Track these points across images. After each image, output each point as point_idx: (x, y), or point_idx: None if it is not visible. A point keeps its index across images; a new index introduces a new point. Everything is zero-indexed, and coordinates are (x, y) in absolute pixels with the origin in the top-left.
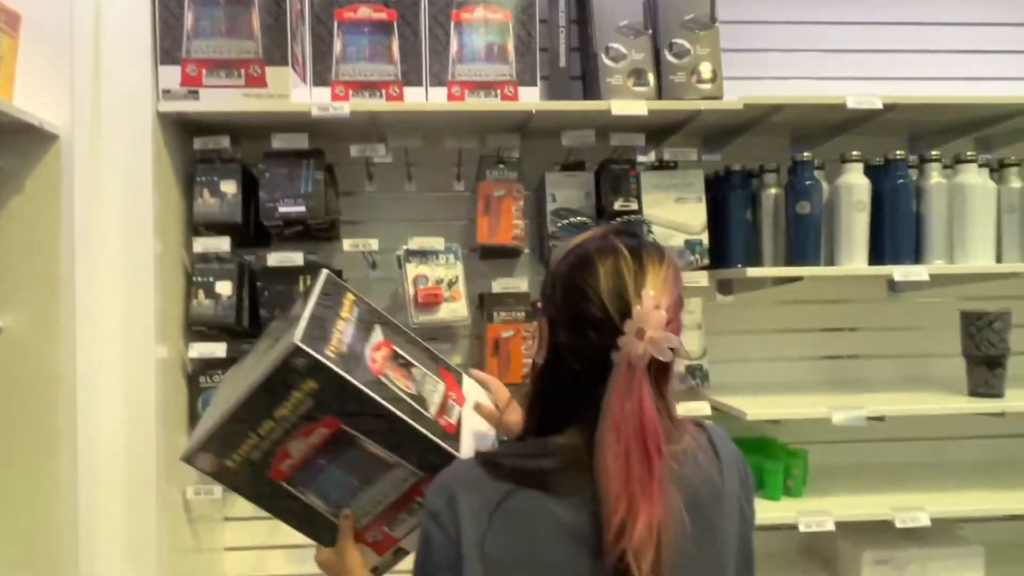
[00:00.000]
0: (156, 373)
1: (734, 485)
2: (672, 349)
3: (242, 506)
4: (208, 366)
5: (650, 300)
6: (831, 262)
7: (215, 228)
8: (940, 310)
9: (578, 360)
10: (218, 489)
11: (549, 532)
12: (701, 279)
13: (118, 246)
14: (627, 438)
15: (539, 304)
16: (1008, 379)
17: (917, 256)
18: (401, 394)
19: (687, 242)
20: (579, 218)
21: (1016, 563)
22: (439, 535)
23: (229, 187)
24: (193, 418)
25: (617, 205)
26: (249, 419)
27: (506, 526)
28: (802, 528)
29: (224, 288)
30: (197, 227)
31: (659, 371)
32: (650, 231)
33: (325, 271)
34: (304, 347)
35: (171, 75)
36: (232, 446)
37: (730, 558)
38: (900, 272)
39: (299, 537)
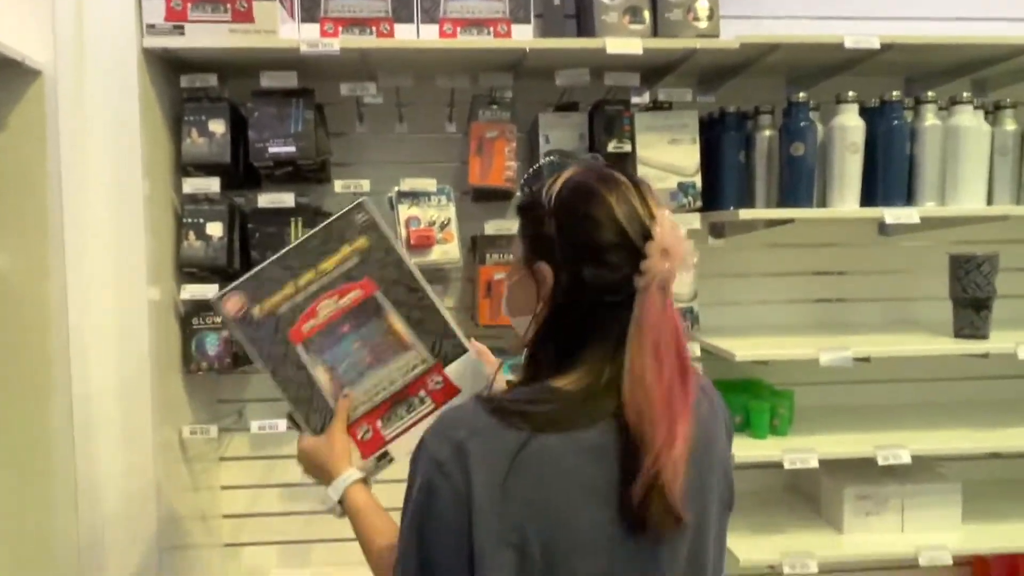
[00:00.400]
0: (148, 314)
1: (723, 436)
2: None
3: (237, 446)
4: (200, 308)
5: (667, 219)
6: (823, 205)
7: (204, 169)
8: (929, 254)
9: (600, 291)
10: (213, 428)
11: (573, 480)
12: (694, 221)
13: (106, 186)
14: (669, 358)
15: (520, 256)
16: (993, 322)
17: (909, 199)
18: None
19: (680, 184)
20: (550, 158)
21: (992, 499)
22: (445, 486)
23: (218, 127)
24: (187, 359)
25: (611, 146)
26: (294, 266)
27: (528, 478)
28: (787, 465)
29: (215, 229)
30: (186, 168)
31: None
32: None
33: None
34: (368, 205)
35: (155, 9)
36: (267, 292)
37: (714, 501)
38: (891, 215)
39: (293, 475)
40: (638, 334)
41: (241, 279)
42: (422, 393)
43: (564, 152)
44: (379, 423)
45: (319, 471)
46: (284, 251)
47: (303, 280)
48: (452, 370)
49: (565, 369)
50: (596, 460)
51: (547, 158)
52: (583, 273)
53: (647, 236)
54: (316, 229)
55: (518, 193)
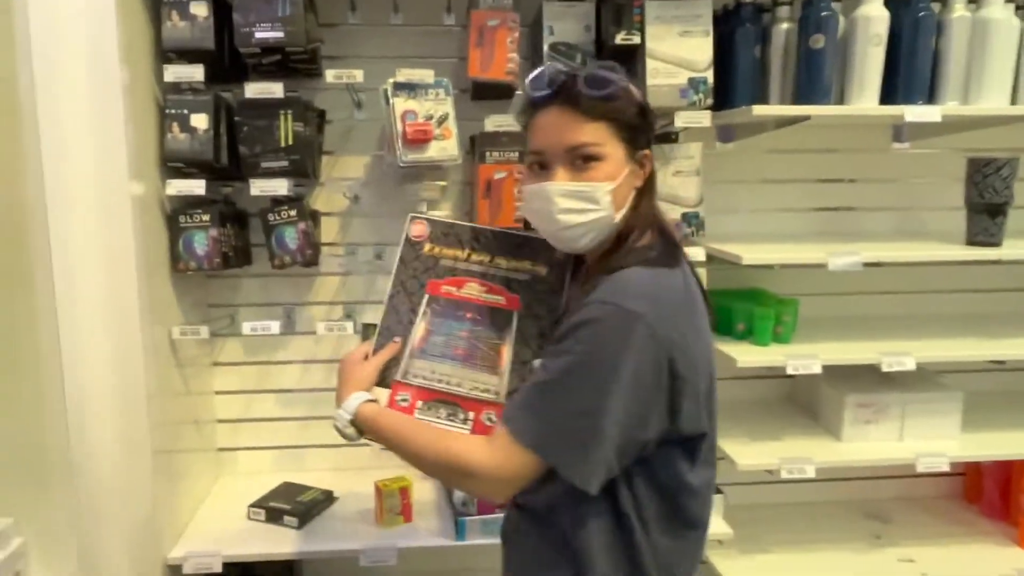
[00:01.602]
0: (132, 210)
1: None
2: None
3: (230, 351)
4: (188, 204)
5: None
6: (840, 103)
7: (187, 56)
8: (943, 162)
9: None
10: (204, 329)
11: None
12: (703, 119)
13: (82, 73)
14: None
15: (622, 154)
16: (1008, 231)
17: (931, 96)
18: None
19: (691, 80)
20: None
21: (993, 409)
22: (645, 332)
23: (200, 9)
24: (175, 259)
25: (619, 38)
26: (477, 243)
27: (695, 311)
28: (789, 370)
29: (200, 121)
30: (167, 54)
31: None
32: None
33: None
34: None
35: None
36: (444, 241)
37: None
38: (912, 112)
39: (287, 381)
40: None
41: (440, 218)
42: (472, 415)
43: (569, 45)
44: (420, 403)
45: (340, 387)
46: (484, 227)
47: (476, 256)
48: None
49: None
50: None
51: (551, 52)
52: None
53: None
54: (522, 233)
55: (520, 92)
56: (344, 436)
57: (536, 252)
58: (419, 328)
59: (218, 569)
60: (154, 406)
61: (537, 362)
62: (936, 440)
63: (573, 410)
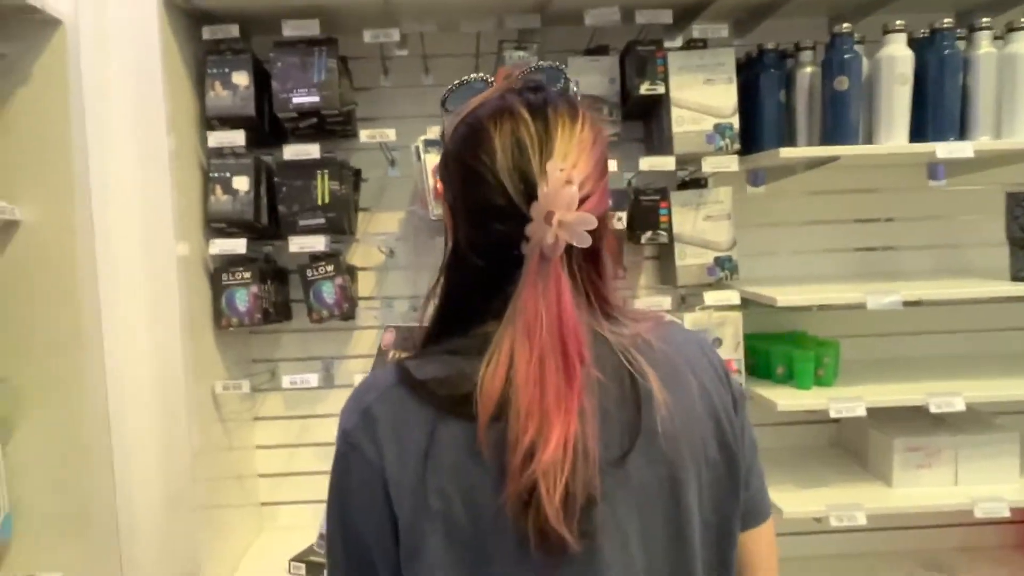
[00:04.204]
0: (177, 270)
1: (698, 365)
2: (591, 232)
3: (271, 406)
4: (229, 263)
5: (558, 176)
6: (869, 142)
7: (229, 122)
8: (982, 198)
9: (482, 256)
10: (246, 384)
11: (475, 468)
12: (731, 164)
13: (131, 139)
14: (542, 344)
15: (429, 195)
16: None
17: (962, 133)
18: None
19: (716, 126)
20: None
21: None
22: (355, 457)
23: (241, 79)
24: (218, 315)
25: (643, 89)
26: None
27: (446, 455)
28: (833, 414)
29: (241, 184)
30: (211, 121)
31: (586, 257)
32: (566, 79)
33: None
34: None
35: None
36: (402, 346)
37: (698, 442)
38: (944, 149)
39: (327, 435)
40: (511, 309)
41: (407, 324)
42: None
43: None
44: None
45: None
46: None
47: None
48: None
49: (464, 334)
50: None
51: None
52: (459, 232)
53: (532, 196)
54: None
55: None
56: None
57: None
58: None
59: None
60: (198, 462)
61: None
62: (993, 484)
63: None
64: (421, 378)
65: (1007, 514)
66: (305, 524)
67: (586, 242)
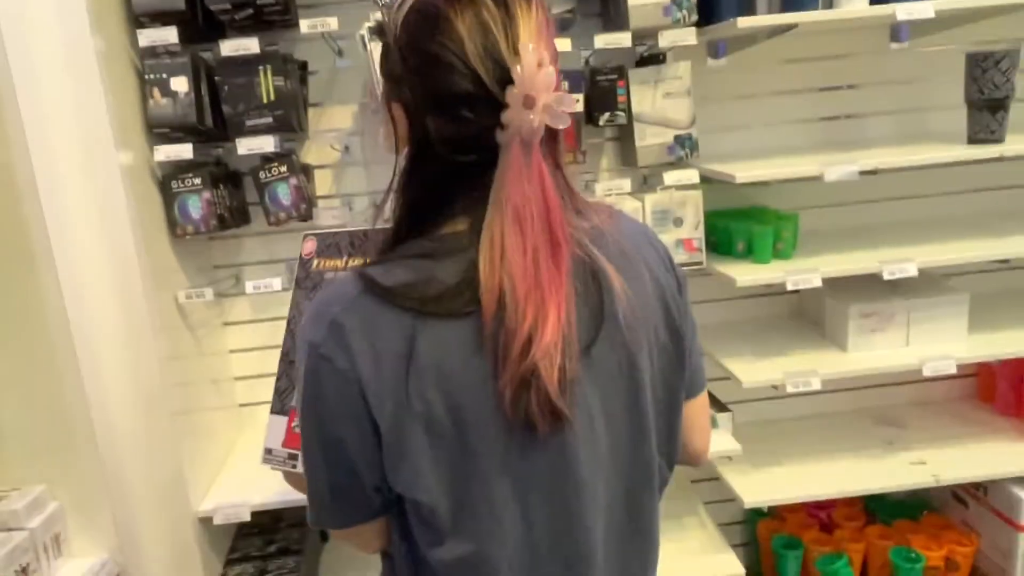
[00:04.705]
0: (123, 180)
1: (647, 254)
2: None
3: (240, 311)
4: (179, 170)
5: (531, 56)
6: (830, 6)
7: (159, 19)
8: (946, 59)
9: (453, 149)
10: (209, 291)
11: (464, 375)
12: (689, 37)
13: (55, 45)
14: (533, 230)
15: (378, 87)
16: (1010, 126)
17: None
18: None
19: None
20: None
21: (1000, 309)
22: (327, 369)
23: None
24: (172, 224)
25: None
26: (353, 248)
27: (426, 358)
28: (789, 286)
29: (180, 84)
30: (139, 19)
31: (549, 140)
32: None
33: None
34: None
35: None
36: (327, 253)
37: (651, 328)
38: (904, 10)
39: None
40: (496, 200)
41: (328, 230)
42: None
43: None
44: None
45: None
46: (360, 229)
47: (354, 262)
48: None
49: (429, 236)
50: (475, 352)
51: None
52: (428, 125)
53: (506, 80)
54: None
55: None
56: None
57: None
58: None
59: (247, 518)
60: (167, 369)
61: None
62: (943, 344)
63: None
64: (389, 284)
65: (954, 371)
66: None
67: (565, 123)
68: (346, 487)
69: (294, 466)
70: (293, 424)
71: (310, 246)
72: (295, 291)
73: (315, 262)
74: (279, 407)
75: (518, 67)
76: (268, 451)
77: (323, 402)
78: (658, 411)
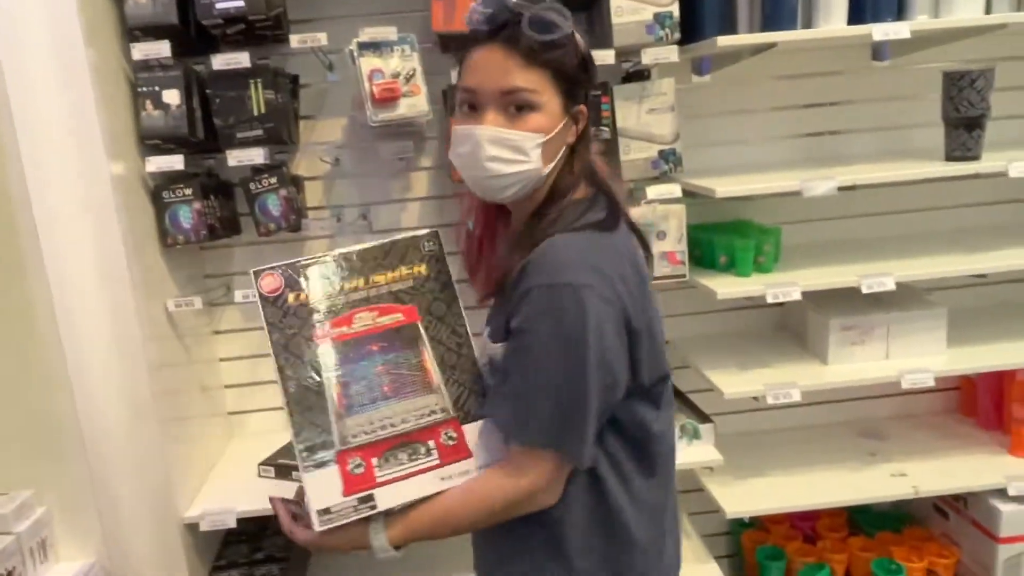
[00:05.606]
0: (114, 190)
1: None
2: None
3: (230, 320)
4: (171, 180)
5: None
6: (808, 27)
7: (152, 33)
8: (927, 78)
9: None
10: (198, 300)
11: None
12: (671, 54)
13: (48, 57)
14: None
15: (558, 107)
16: (986, 144)
17: (899, 13)
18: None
19: (656, 15)
20: None
21: (978, 323)
22: (608, 310)
23: None
24: (163, 234)
25: None
26: (343, 269)
27: (634, 269)
28: (769, 299)
29: (172, 97)
30: (133, 32)
31: None
32: None
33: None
34: (441, 237)
35: None
36: (309, 283)
37: None
38: (880, 31)
39: None
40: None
41: (291, 261)
42: (431, 443)
43: None
44: (375, 461)
45: (335, 547)
46: (344, 251)
47: (349, 286)
48: (469, 430)
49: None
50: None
51: None
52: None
53: None
54: (382, 242)
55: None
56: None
57: (406, 253)
58: (331, 387)
59: (232, 524)
60: (156, 376)
61: (484, 360)
62: (922, 357)
63: (562, 400)
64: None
65: (932, 383)
66: (274, 429)
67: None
68: (603, 408)
69: (373, 507)
70: (348, 467)
71: (271, 282)
72: (272, 335)
73: (291, 296)
74: (312, 462)
75: None
76: (325, 511)
77: (601, 330)
78: None
